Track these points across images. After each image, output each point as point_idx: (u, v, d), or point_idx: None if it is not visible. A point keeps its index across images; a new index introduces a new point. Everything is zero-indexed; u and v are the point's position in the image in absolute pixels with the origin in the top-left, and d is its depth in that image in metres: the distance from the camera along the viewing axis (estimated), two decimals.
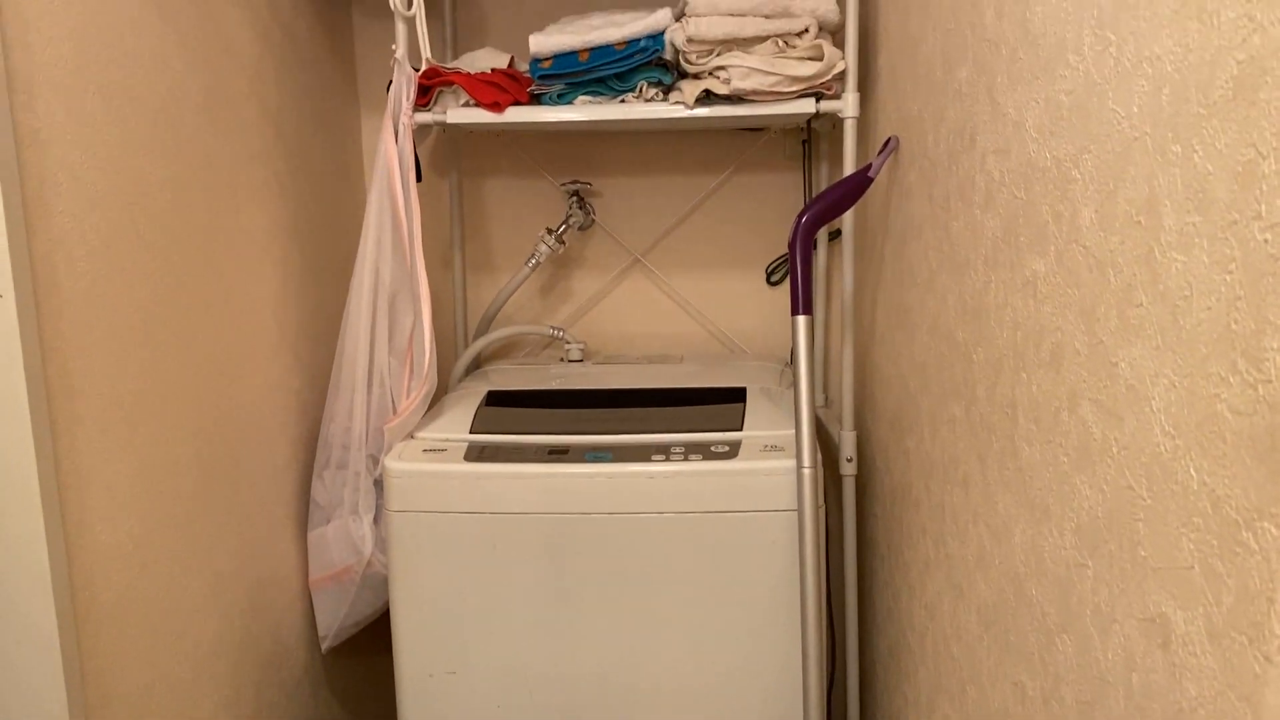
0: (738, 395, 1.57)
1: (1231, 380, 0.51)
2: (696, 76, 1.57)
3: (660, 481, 1.38)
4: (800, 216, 1.39)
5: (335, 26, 1.87)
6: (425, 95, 1.62)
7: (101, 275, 1.13)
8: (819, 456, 1.37)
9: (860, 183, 1.41)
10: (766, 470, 1.38)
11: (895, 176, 1.41)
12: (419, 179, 1.59)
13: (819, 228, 1.42)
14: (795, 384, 1.36)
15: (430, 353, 1.52)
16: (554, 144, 1.96)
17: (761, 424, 1.48)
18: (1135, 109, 0.63)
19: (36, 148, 1.03)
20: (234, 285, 1.44)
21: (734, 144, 1.93)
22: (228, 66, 1.44)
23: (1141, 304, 0.62)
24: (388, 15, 1.57)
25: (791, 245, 1.38)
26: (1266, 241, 0.48)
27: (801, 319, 1.36)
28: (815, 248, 1.89)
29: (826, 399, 1.95)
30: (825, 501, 1.92)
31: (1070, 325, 0.74)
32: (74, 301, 1.08)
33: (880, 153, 1.42)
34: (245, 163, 1.49)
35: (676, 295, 1.99)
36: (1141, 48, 0.62)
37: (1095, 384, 0.70)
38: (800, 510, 1.34)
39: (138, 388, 1.19)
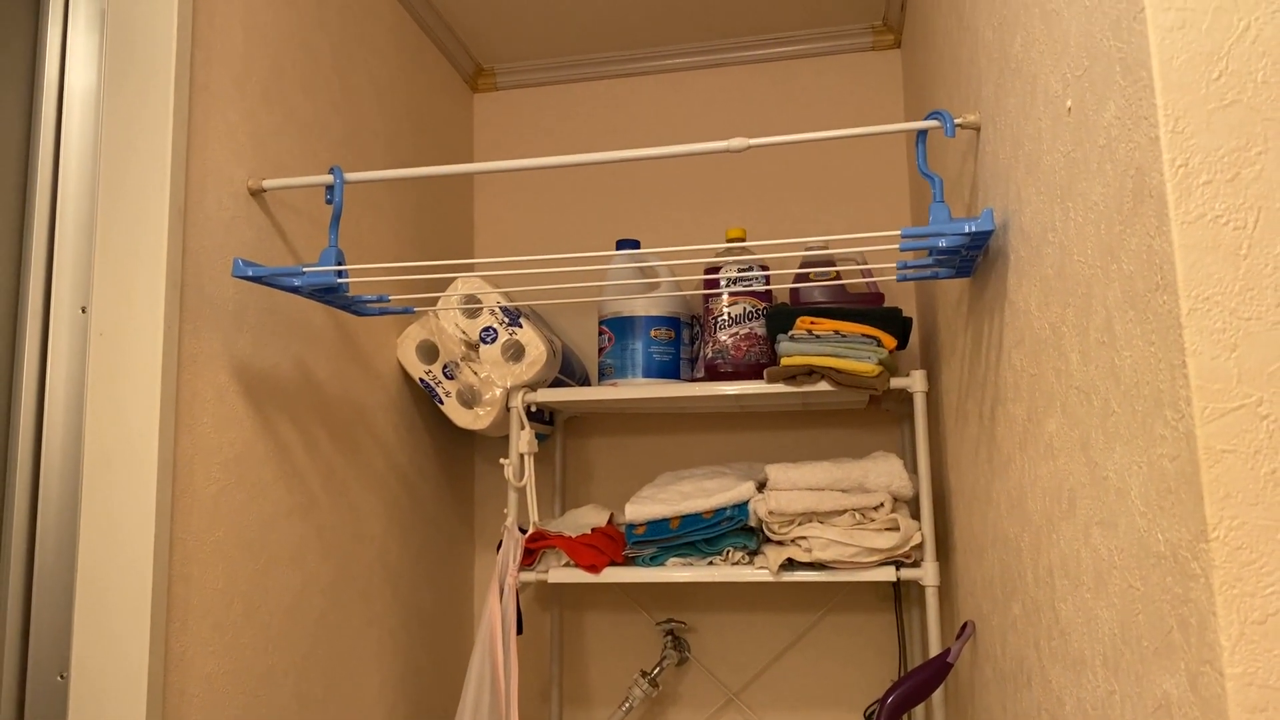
0: None
1: None
2: (780, 543, 1.67)
3: None
4: (885, 699, 1.41)
5: (457, 477, 2.09)
6: (530, 556, 1.76)
7: None
8: None
9: (941, 669, 1.44)
10: None
11: (975, 661, 1.44)
12: (520, 632, 1.70)
13: (904, 712, 1.44)
14: None
15: None
16: (651, 584, 2.06)
17: None
18: None
19: (181, 667, 1.17)
20: None
21: (826, 586, 1.99)
22: (357, 546, 1.62)
23: None
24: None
25: None
26: None
27: None
28: None
29: None
30: None
31: None
32: None
33: (959, 637, 1.46)
34: (363, 629, 1.63)
35: None
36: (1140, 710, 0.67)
37: None
38: None
39: None
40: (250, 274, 1.22)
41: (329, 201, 1.31)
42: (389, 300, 1.40)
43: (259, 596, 1.34)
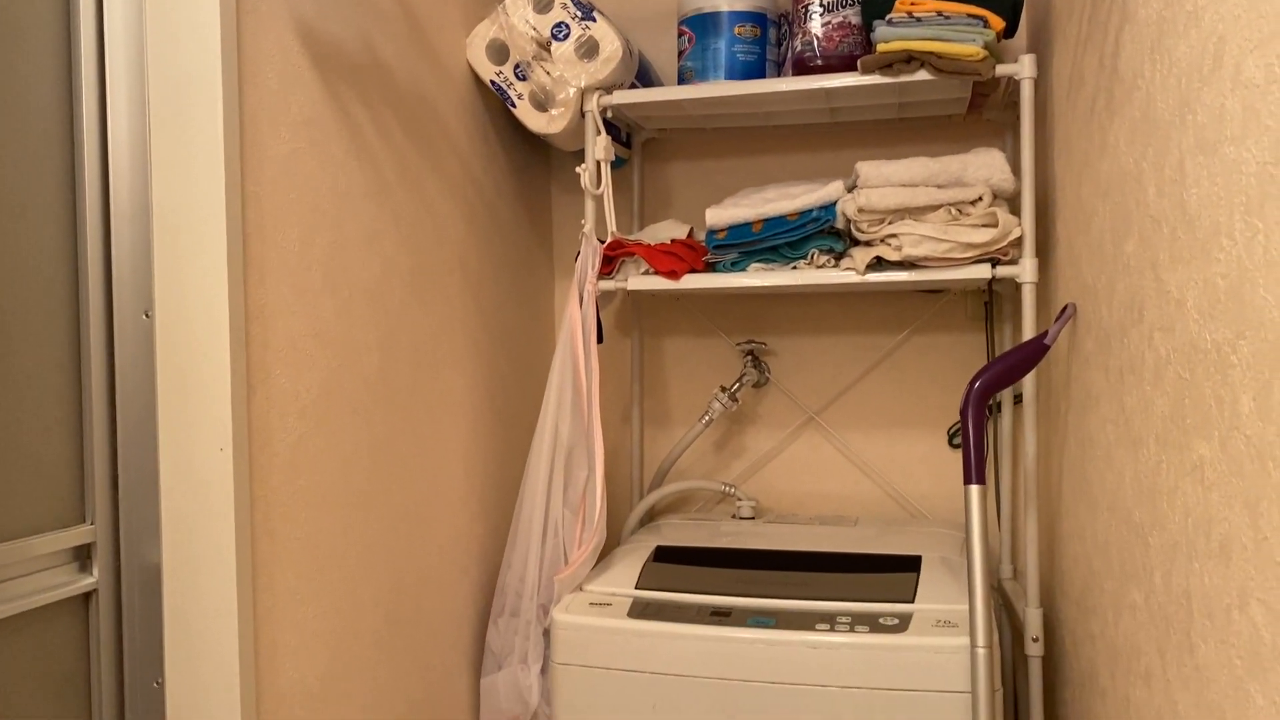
0: (912, 564, 1.52)
1: None
2: (868, 244, 1.60)
3: (823, 652, 1.34)
4: (973, 382, 1.36)
5: (535, 203, 2.05)
6: (609, 264, 1.73)
7: (310, 431, 1.26)
8: (995, 636, 1.30)
9: (1036, 350, 1.38)
10: (937, 648, 1.31)
11: (1074, 343, 1.37)
12: (600, 340, 1.69)
13: (992, 394, 1.39)
14: (969, 557, 1.30)
15: (601, 505, 1.57)
16: (730, 305, 2.02)
17: (936, 596, 1.42)
18: None
19: (263, 320, 1.18)
20: (429, 442, 1.56)
21: (913, 304, 1.93)
22: (435, 245, 1.60)
23: None
24: (582, 190, 1.71)
25: (964, 412, 1.35)
26: None
27: (974, 489, 1.32)
28: (996, 412, 1.84)
29: (1015, 570, 1.84)
30: (1014, 682, 1.80)
31: (1236, 516, 0.69)
32: (283, 454, 1.21)
33: (1057, 319, 1.39)
34: (446, 329, 1.63)
35: (852, 455, 1.97)
36: None
37: (1263, 583, 0.64)
38: (974, 694, 1.26)
39: (333, 534, 1.30)
40: None
41: None
42: None
43: (338, 270, 1.33)
